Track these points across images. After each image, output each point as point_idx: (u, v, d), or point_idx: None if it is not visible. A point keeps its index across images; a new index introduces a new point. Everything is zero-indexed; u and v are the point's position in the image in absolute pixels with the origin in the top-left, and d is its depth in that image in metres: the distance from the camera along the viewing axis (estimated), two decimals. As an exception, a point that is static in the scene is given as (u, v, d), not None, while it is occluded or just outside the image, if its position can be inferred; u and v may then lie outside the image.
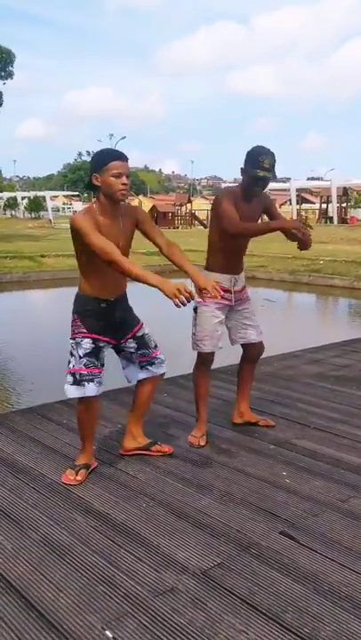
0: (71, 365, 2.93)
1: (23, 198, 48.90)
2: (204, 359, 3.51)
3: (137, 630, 1.89)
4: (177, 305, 2.59)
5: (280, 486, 2.95)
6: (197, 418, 3.57)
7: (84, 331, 2.91)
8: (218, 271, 3.48)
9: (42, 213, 44.40)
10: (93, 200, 2.91)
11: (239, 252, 3.56)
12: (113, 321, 2.97)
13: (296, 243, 3.38)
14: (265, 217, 3.71)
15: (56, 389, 5.36)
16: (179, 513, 2.66)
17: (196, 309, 3.51)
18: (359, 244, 21.43)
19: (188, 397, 3.98)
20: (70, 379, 2.92)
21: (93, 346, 2.91)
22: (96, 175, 2.79)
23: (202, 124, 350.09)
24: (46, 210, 43.78)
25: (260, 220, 3.60)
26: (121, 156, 2.79)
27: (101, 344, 2.95)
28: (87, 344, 2.90)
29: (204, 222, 34.10)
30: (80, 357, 2.90)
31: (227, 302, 3.51)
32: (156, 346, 3.14)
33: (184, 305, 2.61)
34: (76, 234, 2.76)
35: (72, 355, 2.94)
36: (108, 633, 1.87)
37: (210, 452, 3.35)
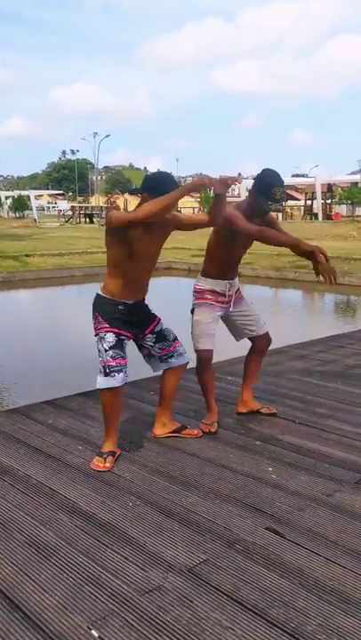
0: (100, 360, 3.10)
1: (7, 198, 48.41)
2: (204, 357, 3.63)
3: (123, 629, 1.88)
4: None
5: (266, 482, 2.96)
6: (207, 408, 3.72)
7: (107, 326, 3.08)
8: (214, 277, 3.62)
9: (26, 213, 44.05)
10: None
11: (236, 261, 3.72)
12: (131, 320, 3.16)
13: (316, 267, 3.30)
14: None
15: (42, 389, 5.38)
16: (165, 511, 2.66)
17: (193, 311, 3.67)
18: (344, 240, 21.57)
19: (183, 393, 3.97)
20: (102, 371, 3.09)
21: (117, 339, 3.10)
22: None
23: (188, 121, 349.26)
24: (31, 209, 43.42)
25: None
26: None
27: (123, 337, 3.13)
28: (110, 337, 3.09)
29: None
30: (106, 350, 3.08)
31: (223, 305, 3.67)
32: (175, 338, 3.33)
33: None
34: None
35: (99, 350, 3.12)
36: (94, 632, 1.87)
37: (196, 449, 3.35)
